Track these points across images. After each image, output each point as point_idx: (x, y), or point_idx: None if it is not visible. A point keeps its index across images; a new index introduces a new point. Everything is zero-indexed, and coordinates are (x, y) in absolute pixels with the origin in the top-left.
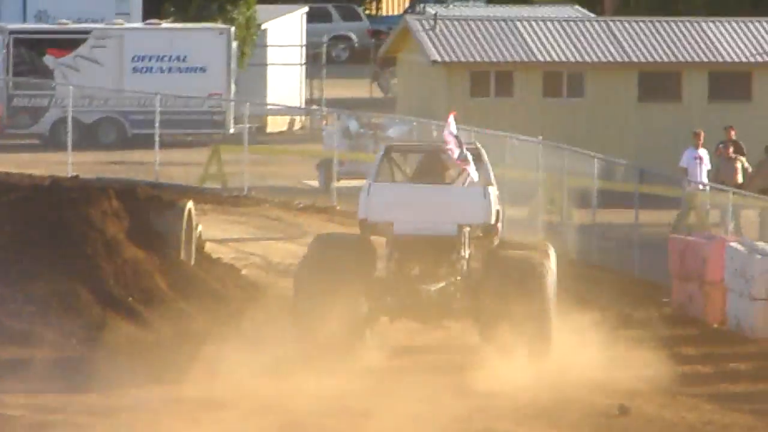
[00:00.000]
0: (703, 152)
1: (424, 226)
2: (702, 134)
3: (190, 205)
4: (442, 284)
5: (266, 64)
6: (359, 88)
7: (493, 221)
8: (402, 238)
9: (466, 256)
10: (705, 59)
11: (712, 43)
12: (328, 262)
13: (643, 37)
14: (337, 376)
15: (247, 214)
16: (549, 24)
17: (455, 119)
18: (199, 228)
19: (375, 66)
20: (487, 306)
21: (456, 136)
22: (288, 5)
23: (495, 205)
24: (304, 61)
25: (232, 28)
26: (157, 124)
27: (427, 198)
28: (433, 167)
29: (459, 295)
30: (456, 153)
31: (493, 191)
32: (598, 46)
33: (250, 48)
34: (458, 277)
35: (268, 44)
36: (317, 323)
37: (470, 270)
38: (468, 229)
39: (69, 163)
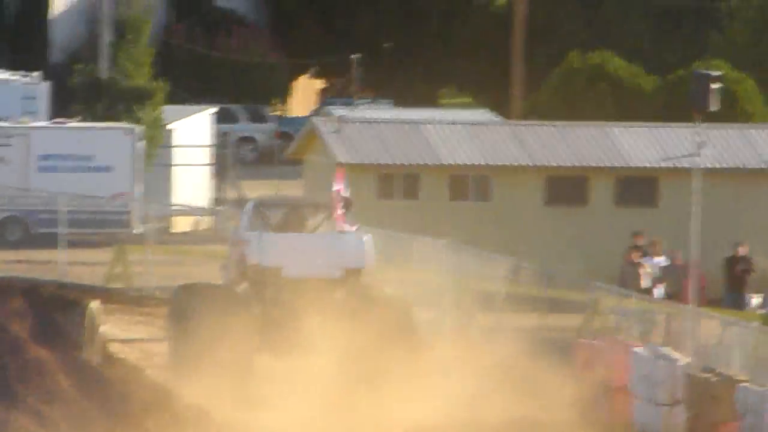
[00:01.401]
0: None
1: (312, 270)
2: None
3: (94, 304)
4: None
5: (172, 165)
6: (266, 189)
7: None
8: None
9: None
10: (612, 164)
11: (619, 148)
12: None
13: (550, 141)
14: None
15: (152, 314)
16: (455, 127)
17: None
18: (102, 328)
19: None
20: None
21: (343, 196)
22: (196, 106)
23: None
24: (212, 161)
25: (139, 128)
26: (62, 224)
27: (314, 245)
28: (295, 219)
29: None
30: (338, 210)
31: (369, 239)
32: (505, 149)
33: (157, 148)
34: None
35: (174, 144)
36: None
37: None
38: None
39: None
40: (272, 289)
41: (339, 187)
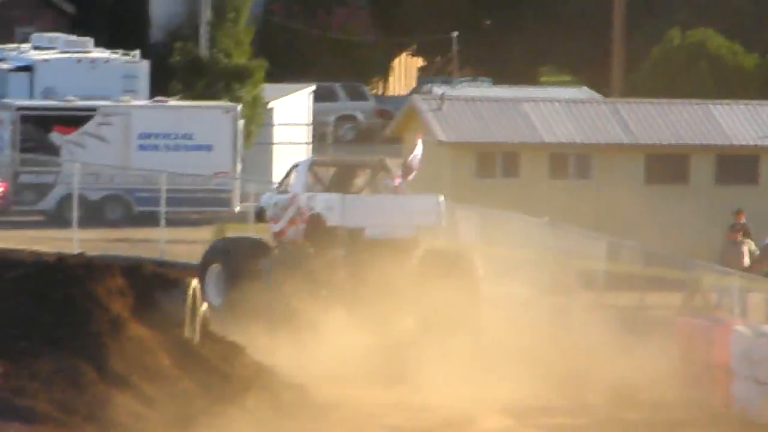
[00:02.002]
0: None
1: (392, 230)
2: None
3: (195, 283)
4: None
5: (272, 143)
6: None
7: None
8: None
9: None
10: (712, 142)
11: (720, 126)
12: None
13: (650, 119)
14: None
15: None
16: (556, 105)
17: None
18: (204, 306)
19: None
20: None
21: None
22: (295, 84)
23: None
24: (310, 140)
25: (239, 107)
26: (163, 202)
27: (392, 206)
28: (347, 179)
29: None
30: (411, 175)
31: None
32: (605, 127)
33: (257, 127)
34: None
35: (274, 123)
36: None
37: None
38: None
39: (75, 240)
40: (358, 249)
41: (415, 154)
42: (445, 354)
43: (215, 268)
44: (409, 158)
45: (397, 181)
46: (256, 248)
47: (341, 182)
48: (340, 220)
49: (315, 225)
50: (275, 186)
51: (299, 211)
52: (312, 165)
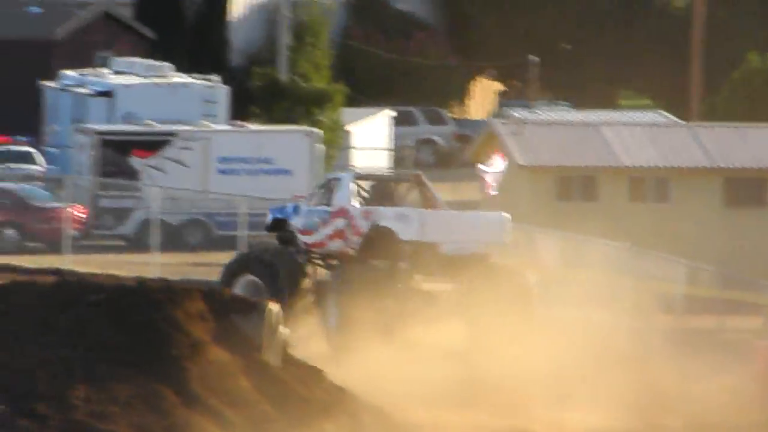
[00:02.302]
0: None
1: (463, 246)
2: None
3: (273, 306)
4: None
5: (351, 166)
6: (445, 192)
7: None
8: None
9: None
10: None
11: None
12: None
13: (729, 142)
14: None
15: None
16: (635, 129)
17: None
18: (284, 330)
19: None
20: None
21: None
22: (374, 108)
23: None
24: (389, 164)
25: (318, 131)
26: (242, 227)
27: (464, 222)
28: (386, 193)
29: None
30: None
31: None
32: (684, 151)
33: (336, 151)
34: None
35: (353, 147)
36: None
37: None
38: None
39: (154, 264)
40: (431, 265)
41: (493, 171)
42: (520, 376)
43: (246, 279)
44: (496, 173)
45: (491, 191)
46: (292, 261)
47: (380, 196)
48: (417, 235)
49: (380, 239)
50: (297, 199)
51: (351, 224)
52: (355, 179)
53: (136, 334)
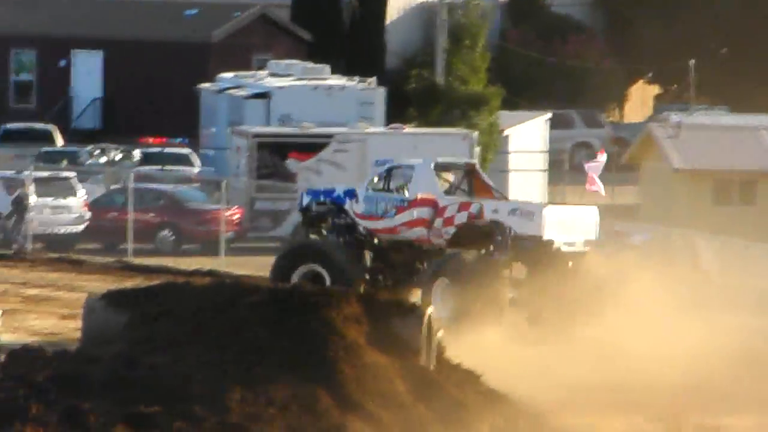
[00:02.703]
0: None
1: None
2: None
3: (431, 310)
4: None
5: (508, 170)
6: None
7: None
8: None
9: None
10: None
11: None
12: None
13: None
14: None
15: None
16: None
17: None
18: (440, 333)
19: None
20: None
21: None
22: (530, 111)
23: None
24: (546, 167)
25: (475, 133)
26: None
27: (575, 217)
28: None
29: None
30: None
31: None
32: None
33: (492, 153)
34: None
35: (510, 150)
36: None
37: None
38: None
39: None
40: (548, 261)
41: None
42: (673, 378)
43: (306, 269)
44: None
45: (593, 187)
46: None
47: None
48: (536, 230)
49: (499, 234)
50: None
51: (442, 214)
52: (437, 167)
53: (292, 336)
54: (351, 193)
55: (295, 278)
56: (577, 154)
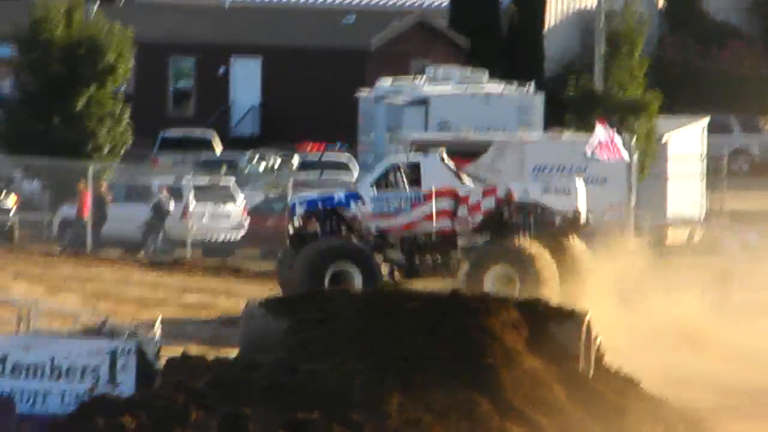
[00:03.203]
0: None
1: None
2: None
3: (589, 316)
4: None
5: (666, 176)
6: (756, 201)
7: None
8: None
9: None
10: None
11: None
12: None
13: None
14: None
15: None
16: None
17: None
18: (599, 339)
19: None
20: None
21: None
22: (689, 117)
23: None
24: (704, 172)
25: (633, 139)
26: None
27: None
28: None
29: None
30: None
31: None
32: None
33: (650, 159)
34: None
35: (668, 156)
36: None
37: None
38: None
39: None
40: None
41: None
42: None
43: (337, 269)
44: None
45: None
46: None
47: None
48: (573, 205)
49: (540, 215)
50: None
51: (467, 203)
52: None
53: (451, 342)
54: (355, 197)
55: (327, 278)
56: (734, 161)
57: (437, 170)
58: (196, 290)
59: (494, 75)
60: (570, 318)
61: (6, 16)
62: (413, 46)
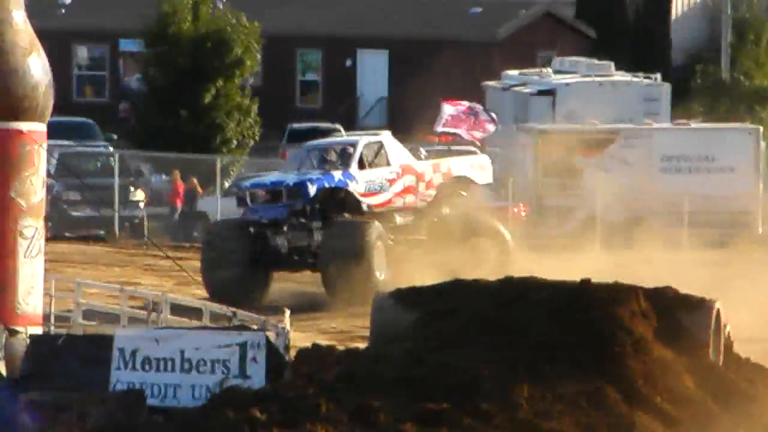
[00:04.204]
0: None
1: None
2: None
3: (719, 304)
4: None
5: None
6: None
7: None
8: None
9: None
10: None
11: None
12: None
13: None
14: None
15: None
16: None
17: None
18: (728, 327)
19: None
20: None
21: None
22: None
23: None
24: None
25: (761, 128)
26: (685, 224)
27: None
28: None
29: None
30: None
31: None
32: None
33: None
34: None
35: None
36: None
37: None
38: None
39: (597, 263)
40: None
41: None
42: None
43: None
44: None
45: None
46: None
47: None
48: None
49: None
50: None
51: (422, 178)
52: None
53: (579, 332)
54: (350, 176)
55: None
56: None
57: (399, 148)
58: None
59: (621, 65)
60: (699, 307)
61: (134, 11)
62: (540, 37)
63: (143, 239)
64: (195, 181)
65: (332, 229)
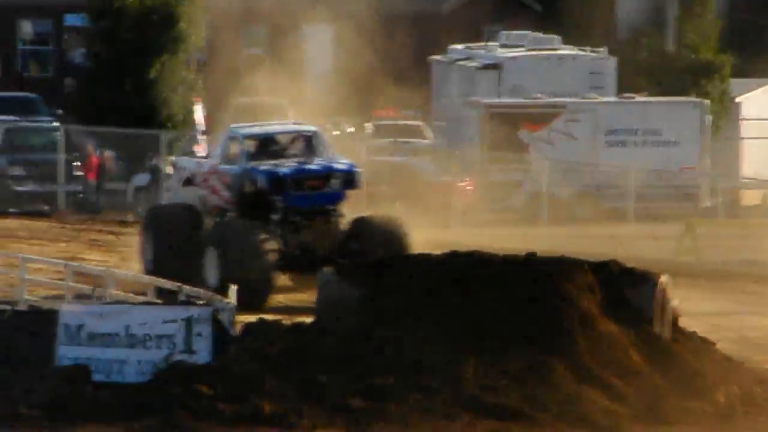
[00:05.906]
0: None
1: None
2: None
3: (664, 278)
4: None
5: (740, 138)
6: None
7: None
8: None
9: None
10: None
11: None
12: None
13: None
14: None
15: (722, 289)
16: None
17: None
18: (674, 302)
19: None
20: None
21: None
22: (763, 79)
23: None
24: None
25: (707, 102)
26: (630, 199)
27: None
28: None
29: None
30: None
31: None
32: None
33: (724, 122)
34: None
35: (742, 118)
36: None
37: None
38: None
39: (543, 238)
40: None
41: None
42: None
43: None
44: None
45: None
46: None
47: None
48: None
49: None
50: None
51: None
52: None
53: (526, 307)
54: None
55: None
56: None
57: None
58: None
59: (567, 39)
60: (644, 281)
61: None
62: (486, 11)
63: (90, 215)
64: (107, 154)
65: None
